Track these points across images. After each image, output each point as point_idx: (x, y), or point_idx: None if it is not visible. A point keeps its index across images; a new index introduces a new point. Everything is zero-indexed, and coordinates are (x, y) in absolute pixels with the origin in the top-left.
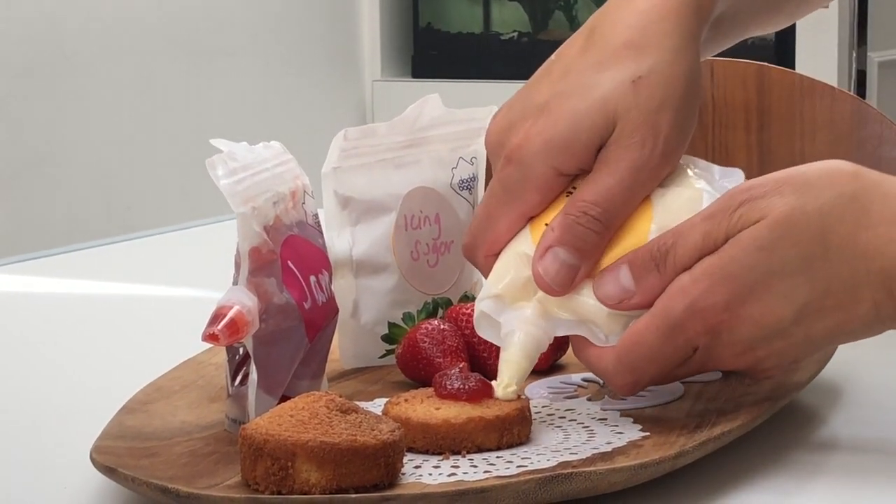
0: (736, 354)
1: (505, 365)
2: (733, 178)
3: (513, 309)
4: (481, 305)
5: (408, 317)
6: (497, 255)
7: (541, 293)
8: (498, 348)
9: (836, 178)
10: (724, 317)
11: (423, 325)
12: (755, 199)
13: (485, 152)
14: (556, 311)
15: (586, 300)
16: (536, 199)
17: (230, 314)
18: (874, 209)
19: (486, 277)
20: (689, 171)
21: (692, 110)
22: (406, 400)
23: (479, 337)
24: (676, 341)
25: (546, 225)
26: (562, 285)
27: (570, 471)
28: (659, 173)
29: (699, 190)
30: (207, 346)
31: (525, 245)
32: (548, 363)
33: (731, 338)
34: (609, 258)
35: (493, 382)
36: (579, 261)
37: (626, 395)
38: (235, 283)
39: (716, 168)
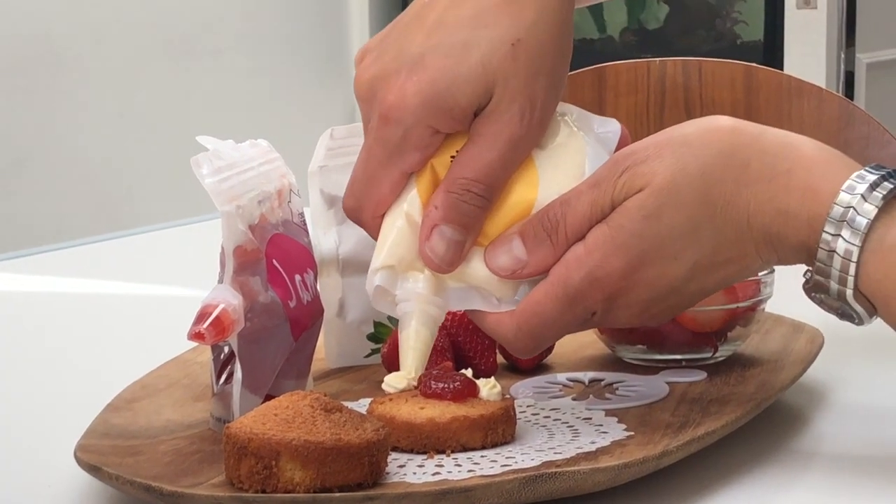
0: (633, 315)
1: (411, 353)
2: (611, 126)
3: (405, 279)
4: (375, 279)
5: (394, 317)
6: (383, 214)
7: None
8: (483, 348)
9: (714, 135)
10: (621, 284)
11: None
12: (637, 164)
13: None
14: (448, 282)
15: (476, 267)
16: (417, 157)
17: (215, 313)
18: (752, 166)
19: (373, 237)
20: (569, 122)
21: (565, 70)
22: (391, 399)
23: (465, 336)
24: (575, 309)
25: (431, 175)
26: (451, 263)
27: (554, 470)
28: (536, 140)
29: (581, 144)
30: (193, 344)
31: (412, 206)
32: (533, 363)
33: (627, 300)
34: (494, 224)
35: (399, 373)
36: (465, 236)
37: (526, 357)
38: (221, 281)
39: (594, 117)
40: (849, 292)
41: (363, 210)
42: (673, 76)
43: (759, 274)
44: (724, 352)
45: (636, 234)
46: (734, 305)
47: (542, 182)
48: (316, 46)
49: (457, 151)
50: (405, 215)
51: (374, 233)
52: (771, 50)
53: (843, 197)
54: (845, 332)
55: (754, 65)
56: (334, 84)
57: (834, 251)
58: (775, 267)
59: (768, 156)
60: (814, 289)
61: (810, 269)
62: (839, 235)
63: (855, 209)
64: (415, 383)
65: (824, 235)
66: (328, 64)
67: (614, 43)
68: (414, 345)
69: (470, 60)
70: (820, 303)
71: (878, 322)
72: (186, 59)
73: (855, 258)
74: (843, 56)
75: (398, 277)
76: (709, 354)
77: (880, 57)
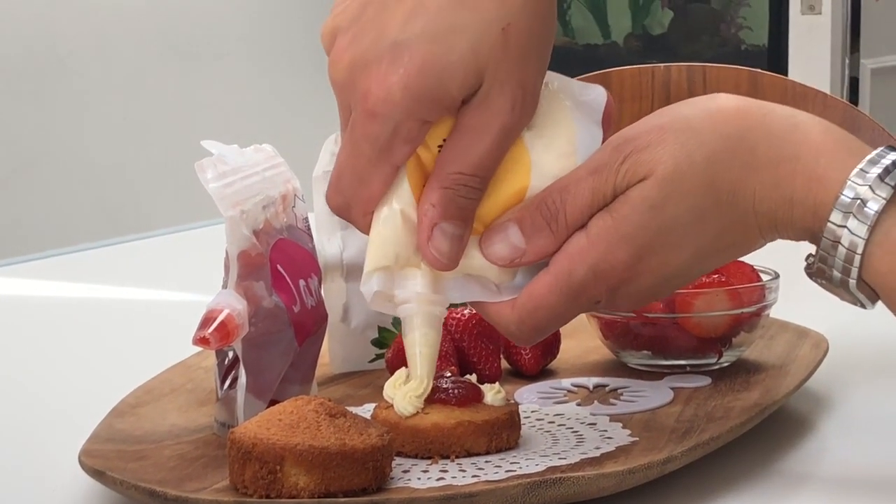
0: (636, 301)
1: (418, 358)
2: (594, 93)
3: (403, 278)
4: (372, 283)
5: (398, 321)
6: (373, 211)
7: None
8: (487, 353)
9: (719, 118)
10: (626, 275)
11: None
12: (639, 150)
13: None
14: (445, 274)
15: (472, 255)
16: (406, 150)
17: (220, 318)
18: (760, 151)
19: (364, 233)
20: (553, 94)
21: (549, 51)
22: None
23: (469, 342)
24: (579, 300)
25: (418, 165)
26: (454, 259)
27: (558, 476)
28: (527, 123)
29: (569, 119)
30: (197, 349)
31: (404, 202)
32: (538, 368)
33: (630, 289)
34: (486, 210)
35: (402, 385)
36: (465, 229)
37: (528, 345)
38: (225, 286)
39: (574, 83)
40: (852, 282)
41: (352, 207)
42: (677, 82)
43: (764, 280)
44: (728, 357)
45: (641, 226)
46: (739, 311)
47: (534, 164)
48: (320, 51)
49: (443, 140)
50: (399, 212)
51: (364, 230)
52: (775, 55)
53: (850, 186)
54: (850, 338)
55: (759, 70)
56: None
57: (838, 241)
58: (780, 271)
59: (775, 139)
60: (816, 274)
61: (812, 254)
62: (844, 226)
63: (862, 200)
64: (427, 392)
65: (829, 225)
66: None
67: (619, 49)
68: (422, 350)
69: (459, 47)
70: (821, 285)
71: (882, 328)
72: (191, 64)
73: (860, 250)
74: (847, 61)
75: (395, 277)
76: (713, 360)
77: (885, 62)
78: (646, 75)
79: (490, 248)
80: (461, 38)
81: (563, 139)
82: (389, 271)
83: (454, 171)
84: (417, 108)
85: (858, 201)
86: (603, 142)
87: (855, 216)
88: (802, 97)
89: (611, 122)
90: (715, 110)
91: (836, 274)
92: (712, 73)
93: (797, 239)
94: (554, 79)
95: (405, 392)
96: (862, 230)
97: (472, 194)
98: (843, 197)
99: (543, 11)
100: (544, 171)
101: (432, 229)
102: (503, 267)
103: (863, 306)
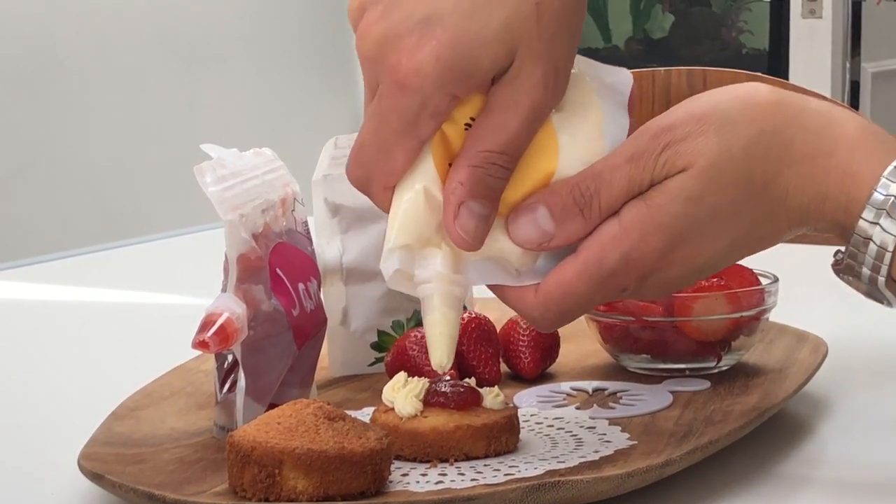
0: (663, 290)
1: (438, 339)
2: (621, 76)
3: (423, 257)
4: (393, 260)
5: (397, 325)
6: (394, 186)
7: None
8: (487, 357)
9: (758, 112)
10: (658, 264)
11: (413, 333)
12: (678, 141)
13: None
14: (466, 255)
15: (495, 237)
16: (433, 125)
17: (220, 321)
18: (796, 146)
19: (382, 209)
20: (582, 76)
21: (580, 30)
22: (394, 408)
23: (469, 345)
24: (607, 288)
25: (443, 142)
26: (480, 239)
27: (557, 479)
28: (556, 103)
29: (597, 103)
30: (197, 353)
31: (429, 179)
32: (537, 372)
33: (660, 278)
34: (512, 192)
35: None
36: (492, 209)
37: (549, 332)
38: (224, 290)
39: (601, 66)
40: (881, 280)
41: (373, 181)
42: (678, 85)
43: (764, 283)
44: (727, 361)
45: (677, 216)
46: (738, 315)
47: (561, 147)
48: (321, 55)
49: (471, 118)
50: (423, 190)
51: (383, 205)
52: (776, 59)
53: (885, 184)
54: (849, 342)
55: (759, 74)
56: (339, 93)
57: (870, 239)
58: (779, 275)
59: (810, 134)
60: (844, 270)
61: (841, 250)
62: (877, 223)
63: (895, 200)
64: (449, 369)
65: (861, 222)
66: (333, 72)
67: (619, 52)
68: (442, 330)
69: (492, 22)
70: (847, 282)
71: (881, 331)
72: (191, 67)
73: (891, 248)
74: (848, 65)
75: (415, 255)
76: (713, 364)
77: (885, 66)
78: (646, 79)
79: (517, 230)
80: (495, 13)
81: (590, 123)
82: (410, 250)
83: (484, 148)
84: (448, 81)
85: (892, 199)
86: (628, 127)
87: (889, 214)
88: None
89: (634, 107)
90: (753, 102)
91: (866, 271)
92: (713, 76)
93: (825, 232)
94: (580, 61)
95: (406, 394)
96: (894, 228)
97: (501, 173)
98: (876, 194)
99: None
100: (572, 156)
101: (459, 207)
102: (529, 250)
103: (889, 304)
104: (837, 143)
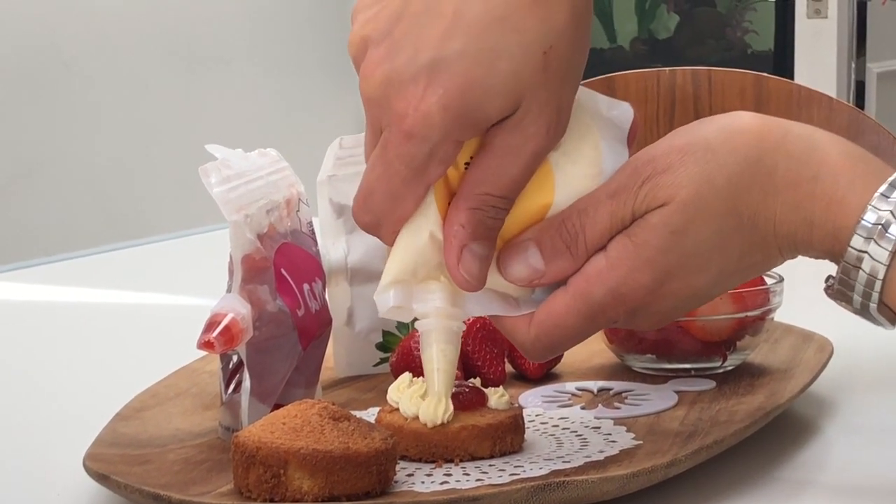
0: (655, 322)
1: (435, 374)
2: (621, 109)
3: (421, 290)
4: (389, 296)
5: (402, 325)
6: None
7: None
8: (491, 357)
9: (739, 140)
10: (647, 298)
11: (417, 334)
12: (659, 174)
13: None
14: None
15: (492, 271)
16: (441, 171)
17: (225, 322)
18: (779, 173)
19: (389, 245)
20: (581, 110)
21: (582, 72)
22: (399, 408)
23: (473, 345)
24: (597, 321)
25: (444, 183)
26: (483, 280)
27: (562, 479)
28: (556, 144)
29: (596, 139)
30: (202, 353)
31: (431, 220)
32: (542, 372)
33: (650, 311)
34: (508, 228)
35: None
36: (492, 249)
37: (541, 361)
38: (229, 290)
39: (601, 98)
40: (873, 306)
41: (383, 226)
42: (683, 85)
43: (769, 283)
44: (733, 361)
45: (662, 250)
46: (743, 314)
47: (558, 184)
48: (325, 56)
49: (470, 158)
50: (424, 228)
51: (391, 244)
52: (781, 59)
53: (872, 210)
54: (854, 342)
55: (764, 74)
56: (343, 93)
57: (859, 267)
58: (784, 275)
59: (793, 160)
60: (836, 296)
61: (832, 275)
62: (866, 252)
63: (883, 225)
64: (450, 410)
65: (850, 250)
66: (337, 73)
67: (624, 52)
68: (439, 366)
69: (500, 70)
70: (840, 305)
71: (887, 332)
72: (195, 68)
73: (881, 276)
74: (853, 65)
75: (413, 290)
76: (718, 364)
77: (891, 66)
78: (651, 79)
79: (509, 269)
80: (503, 60)
81: (588, 159)
82: (407, 285)
83: (483, 191)
84: (456, 129)
85: (880, 227)
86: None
87: (876, 242)
88: (808, 101)
89: (635, 140)
90: (734, 131)
91: (857, 297)
92: (717, 77)
93: (817, 258)
94: (581, 92)
95: (411, 394)
96: (883, 256)
97: (500, 215)
98: (863, 222)
99: (582, 33)
100: (568, 190)
101: (462, 250)
102: (521, 286)
103: (883, 327)
104: (821, 168)
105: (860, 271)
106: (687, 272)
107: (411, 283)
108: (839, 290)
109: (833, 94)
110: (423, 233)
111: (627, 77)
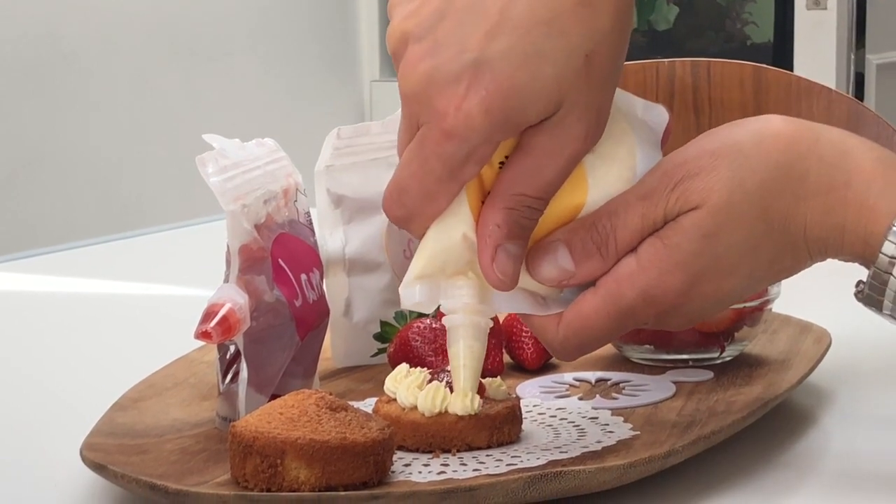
0: (685, 322)
1: (462, 371)
2: (656, 112)
3: (449, 286)
4: (415, 291)
5: (400, 315)
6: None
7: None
8: (490, 347)
9: (771, 145)
10: (677, 301)
11: (415, 324)
12: (690, 177)
13: None
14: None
15: (522, 268)
16: (476, 170)
17: (222, 312)
18: (810, 179)
19: (418, 238)
20: (618, 113)
21: (620, 75)
22: (397, 398)
23: None
24: (626, 323)
25: (478, 181)
26: (516, 279)
27: (559, 469)
28: (592, 146)
29: (631, 142)
30: (199, 343)
31: (463, 220)
32: (540, 363)
33: (680, 312)
34: (540, 228)
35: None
36: (525, 249)
37: (570, 361)
38: (226, 280)
39: (637, 101)
40: None
41: (414, 221)
42: (682, 77)
43: None
44: (731, 352)
45: (694, 253)
46: (741, 305)
47: (591, 185)
48: (323, 47)
49: (504, 156)
50: (455, 225)
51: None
52: (781, 51)
53: None
54: (853, 333)
55: (763, 65)
56: (341, 84)
57: (891, 273)
58: None
59: (825, 166)
60: (866, 301)
61: (863, 280)
62: None
63: None
64: (477, 404)
65: (881, 257)
66: (335, 64)
67: None
68: (466, 362)
69: (543, 73)
70: (871, 309)
71: (885, 322)
72: (194, 61)
73: None
74: (852, 57)
75: (441, 286)
76: (716, 354)
77: (890, 58)
78: (650, 71)
79: (538, 269)
80: (546, 63)
81: (623, 162)
82: (433, 279)
83: (519, 192)
84: (496, 132)
85: None
86: None
87: None
88: (807, 92)
89: (667, 143)
90: (765, 135)
91: (888, 303)
92: (717, 68)
93: (847, 262)
94: (618, 95)
95: (408, 385)
96: None
97: (535, 215)
98: (894, 229)
99: (624, 38)
100: (601, 193)
101: (496, 250)
102: (551, 287)
103: None
104: (853, 175)
105: (892, 277)
106: (717, 275)
107: (438, 278)
108: (869, 295)
109: (832, 86)
110: (454, 230)
111: (627, 68)
